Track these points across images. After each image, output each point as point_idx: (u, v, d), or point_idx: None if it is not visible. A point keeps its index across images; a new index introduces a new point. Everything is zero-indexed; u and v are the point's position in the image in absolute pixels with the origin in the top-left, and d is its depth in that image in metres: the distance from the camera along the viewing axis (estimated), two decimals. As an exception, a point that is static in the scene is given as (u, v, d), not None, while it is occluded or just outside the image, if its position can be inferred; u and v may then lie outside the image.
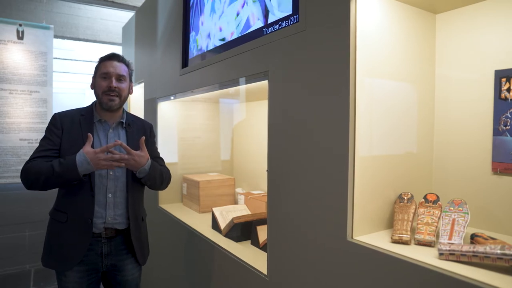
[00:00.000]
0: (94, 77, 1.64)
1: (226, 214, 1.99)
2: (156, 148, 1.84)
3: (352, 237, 1.07)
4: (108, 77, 1.58)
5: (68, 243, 1.52)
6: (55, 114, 1.60)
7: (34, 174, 1.44)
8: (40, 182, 1.44)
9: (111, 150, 1.47)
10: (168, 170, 1.79)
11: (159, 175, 1.68)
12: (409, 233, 1.03)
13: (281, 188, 1.34)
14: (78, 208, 1.52)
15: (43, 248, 1.60)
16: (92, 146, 1.49)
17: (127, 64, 1.66)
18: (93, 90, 1.64)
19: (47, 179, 1.43)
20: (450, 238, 0.96)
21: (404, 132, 1.20)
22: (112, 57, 1.62)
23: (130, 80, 1.69)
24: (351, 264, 1.05)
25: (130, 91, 1.69)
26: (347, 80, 1.06)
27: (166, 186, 1.79)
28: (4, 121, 3.34)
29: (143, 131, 1.73)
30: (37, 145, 1.55)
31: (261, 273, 1.44)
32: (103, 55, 1.64)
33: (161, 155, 1.85)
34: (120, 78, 1.60)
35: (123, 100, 1.63)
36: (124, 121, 1.66)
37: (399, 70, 1.18)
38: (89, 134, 1.47)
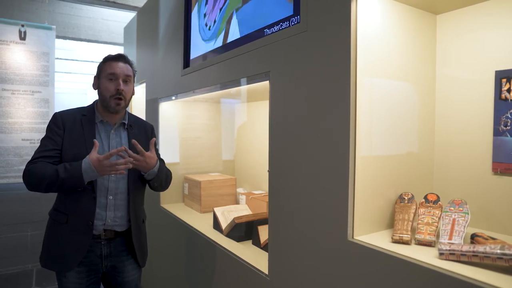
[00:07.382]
0: (97, 77, 1.60)
1: (227, 214, 2.00)
2: (157, 150, 1.83)
3: (352, 237, 1.07)
4: (115, 78, 1.55)
5: (68, 245, 1.51)
6: (56, 113, 1.56)
7: (37, 177, 1.41)
8: (42, 186, 1.42)
9: (119, 154, 1.44)
10: (169, 170, 1.79)
11: (165, 176, 1.68)
12: (409, 233, 1.04)
13: (282, 188, 1.35)
14: (79, 210, 1.50)
15: (41, 248, 1.59)
16: None
17: (132, 65, 1.64)
18: (96, 90, 1.61)
19: (51, 183, 1.40)
20: (450, 238, 0.97)
21: (405, 132, 1.21)
22: (119, 57, 1.59)
23: (133, 82, 1.67)
24: (351, 264, 1.06)
25: (132, 92, 1.67)
26: (348, 81, 1.07)
27: (168, 187, 1.79)
28: (6, 121, 3.35)
29: (144, 132, 1.72)
30: (39, 145, 1.53)
31: (262, 272, 1.45)
32: (107, 55, 1.61)
33: (163, 155, 1.85)
34: (126, 79, 1.58)
35: (128, 102, 1.62)
36: (126, 122, 1.65)
37: (400, 71, 1.19)
38: (95, 141, 1.43)
